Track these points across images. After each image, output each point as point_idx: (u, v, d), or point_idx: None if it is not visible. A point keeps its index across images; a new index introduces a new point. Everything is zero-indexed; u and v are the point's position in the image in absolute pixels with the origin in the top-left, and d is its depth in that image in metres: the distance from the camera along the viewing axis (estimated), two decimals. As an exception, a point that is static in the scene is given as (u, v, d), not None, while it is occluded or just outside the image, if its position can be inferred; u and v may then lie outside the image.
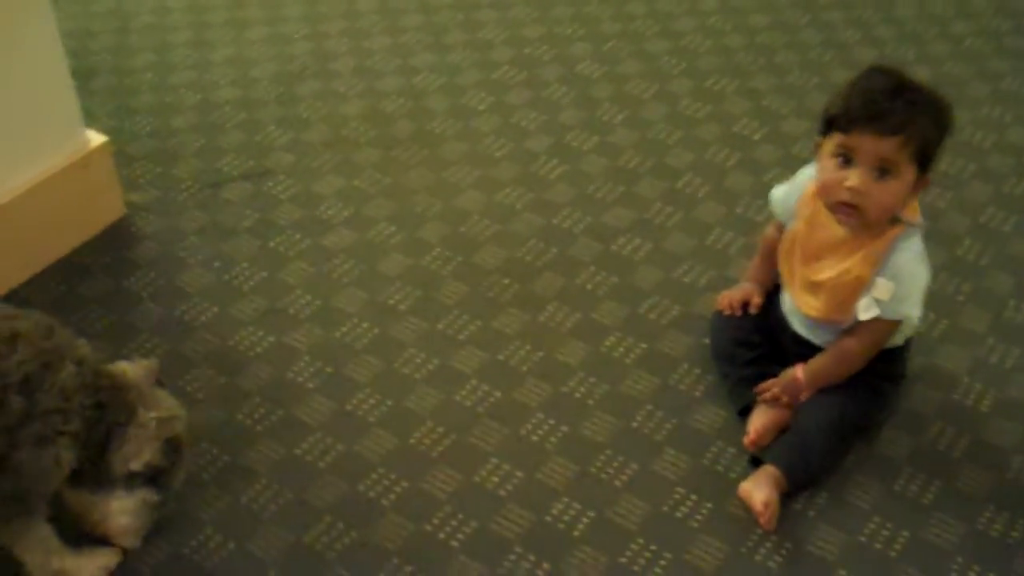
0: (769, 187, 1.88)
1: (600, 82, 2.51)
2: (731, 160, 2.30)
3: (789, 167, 2.21)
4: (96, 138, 2.05)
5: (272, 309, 1.97)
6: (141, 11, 2.74)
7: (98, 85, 2.49)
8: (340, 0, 2.76)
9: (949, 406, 1.82)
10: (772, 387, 1.75)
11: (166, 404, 1.55)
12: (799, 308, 1.77)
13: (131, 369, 1.54)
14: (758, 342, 1.84)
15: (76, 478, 1.46)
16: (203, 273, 2.04)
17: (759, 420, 1.74)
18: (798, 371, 1.75)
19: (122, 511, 1.52)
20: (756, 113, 2.42)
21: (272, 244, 2.10)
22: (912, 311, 1.69)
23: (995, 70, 2.56)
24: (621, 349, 1.91)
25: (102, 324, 1.94)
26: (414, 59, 2.58)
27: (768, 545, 1.63)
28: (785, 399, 1.74)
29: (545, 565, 1.59)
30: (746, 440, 1.73)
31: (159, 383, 1.59)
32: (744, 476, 1.69)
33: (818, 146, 1.69)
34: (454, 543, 1.62)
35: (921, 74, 2.17)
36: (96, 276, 2.03)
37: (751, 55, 2.59)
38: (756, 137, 2.36)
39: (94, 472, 1.46)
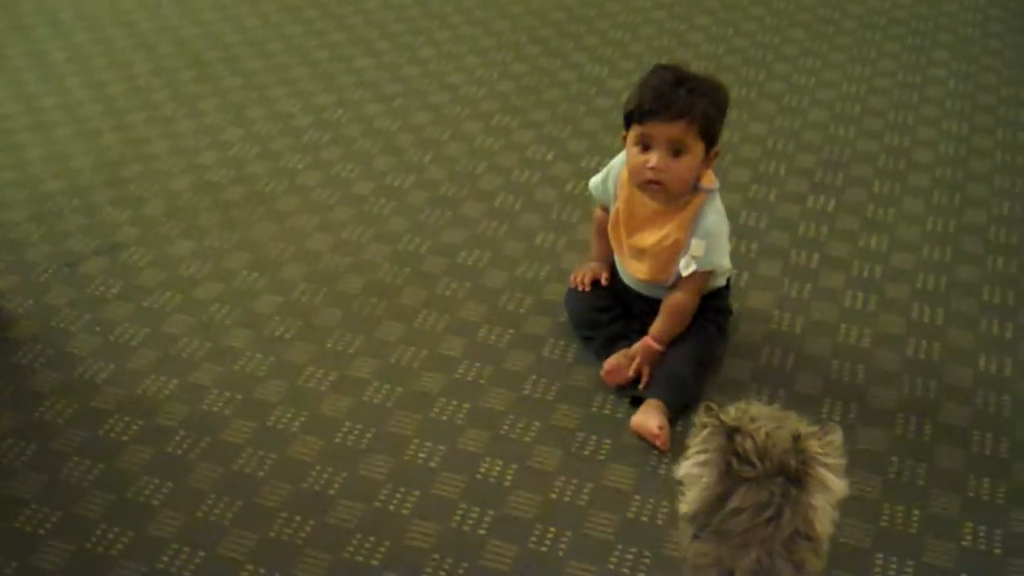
0: (570, 197, 2.21)
1: (400, 133, 2.77)
2: (533, 179, 2.61)
3: (582, 177, 2.57)
4: (-40, 226, 2.11)
5: (166, 357, 2.09)
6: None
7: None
8: (136, 94, 2.90)
9: (771, 334, 2.18)
10: (638, 365, 2.02)
11: None
12: (630, 273, 2.09)
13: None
14: (611, 306, 2.14)
15: None
16: (88, 338, 2.13)
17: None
18: (649, 341, 2.04)
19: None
20: (542, 140, 2.76)
21: (145, 304, 2.21)
22: (723, 260, 2.04)
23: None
24: (493, 337, 2.15)
25: (5, 395, 1.99)
26: (223, 135, 2.75)
27: (666, 462, 1.90)
28: (648, 368, 2.03)
29: (490, 512, 1.80)
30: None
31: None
32: (628, 415, 1.97)
33: (624, 138, 2.02)
34: (404, 511, 1.80)
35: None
36: (-19, 357, 2.07)
37: (519, 96, 2.93)
38: (548, 159, 2.69)
39: None
